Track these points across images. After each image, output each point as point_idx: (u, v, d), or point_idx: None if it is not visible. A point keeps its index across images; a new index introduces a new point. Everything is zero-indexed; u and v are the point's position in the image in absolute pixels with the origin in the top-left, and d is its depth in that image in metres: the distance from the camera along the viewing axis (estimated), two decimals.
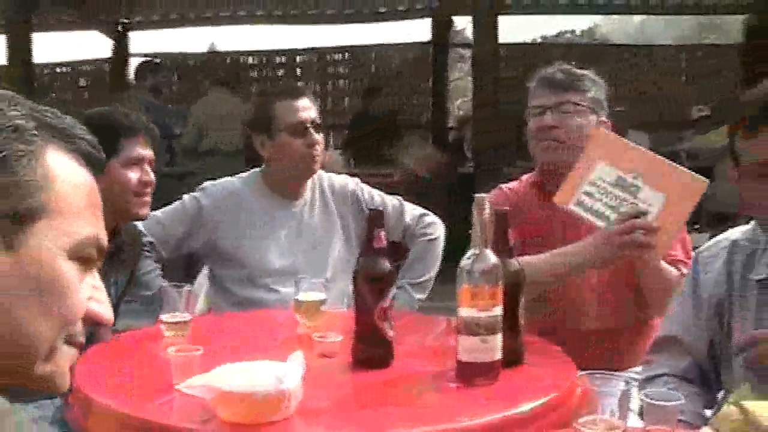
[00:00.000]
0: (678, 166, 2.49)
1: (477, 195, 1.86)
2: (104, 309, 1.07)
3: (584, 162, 2.53)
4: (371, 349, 1.94)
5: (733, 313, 2.02)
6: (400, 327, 2.02)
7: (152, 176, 2.65)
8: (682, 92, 11.85)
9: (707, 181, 2.43)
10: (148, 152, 2.65)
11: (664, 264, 2.48)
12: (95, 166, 1.08)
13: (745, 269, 2.01)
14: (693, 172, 2.47)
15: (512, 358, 1.91)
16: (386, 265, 1.93)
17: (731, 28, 22.29)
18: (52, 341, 1.00)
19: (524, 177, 2.81)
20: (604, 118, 2.70)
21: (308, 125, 3.01)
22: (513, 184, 2.80)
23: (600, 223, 2.44)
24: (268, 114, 3.05)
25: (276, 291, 2.93)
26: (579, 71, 2.73)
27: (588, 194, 2.48)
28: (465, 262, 1.83)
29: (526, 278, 1.99)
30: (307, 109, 3.04)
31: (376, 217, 1.96)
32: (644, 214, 2.38)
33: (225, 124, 8.02)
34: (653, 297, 2.53)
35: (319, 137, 3.03)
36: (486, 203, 1.85)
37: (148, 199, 2.66)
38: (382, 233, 1.94)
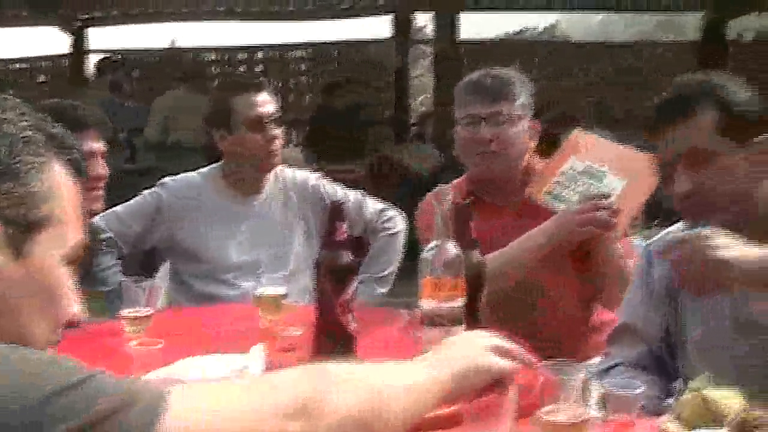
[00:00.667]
0: (641, 152, 2.53)
1: (439, 187, 1.86)
2: (78, 308, 1.14)
3: (557, 158, 2.62)
4: (333, 343, 1.93)
5: (686, 298, 2.04)
6: (362, 320, 2.01)
7: (104, 170, 2.62)
8: (641, 87, 11.96)
9: None
10: (98, 146, 2.62)
11: (621, 252, 2.51)
12: (81, 173, 1.15)
13: None
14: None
15: None
16: (347, 257, 1.92)
17: (689, 25, 22.56)
18: (45, 341, 1.08)
19: (455, 182, 2.78)
20: (533, 122, 2.73)
21: (267, 120, 3.00)
22: (446, 187, 2.77)
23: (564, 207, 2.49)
24: (227, 108, 3.04)
25: (237, 286, 2.92)
26: (507, 75, 2.71)
27: (558, 183, 2.58)
28: (427, 253, 1.83)
29: (497, 269, 2.00)
30: (266, 103, 3.03)
31: (337, 210, 1.95)
32: (606, 196, 2.43)
33: (186, 120, 7.98)
34: (611, 287, 2.55)
35: (278, 132, 3.02)
36: (448, 195, 1.86)
37: (100, 193, 2.64)
38: (344, 226, 1.93)
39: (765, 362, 1.86)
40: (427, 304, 1.82)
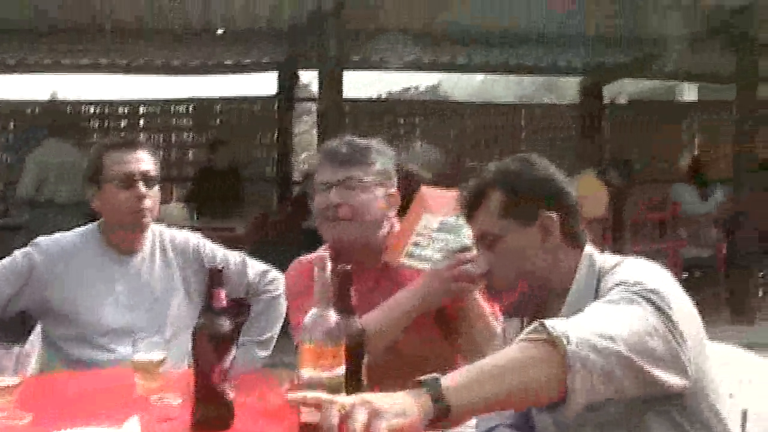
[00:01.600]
0: None
1: (318, 253, 1.86)
2: None
3: (409, 218, 2.60)
4: (211, 411, 1.89)
5: None
6: (242, 386, 1.98)
7: None
8: (521, 148, 12.25)
9: None
10: None
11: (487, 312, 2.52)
12: None
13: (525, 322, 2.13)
14: None
15: None
16: (226, 325, 1.89)
17: (567, 87, 23.28)
18: None
19: (320, 250, 2.73)
20: (393, 190, 2.70)
21: (137, 177, 2.93)
22: (311, 256, 2.70)
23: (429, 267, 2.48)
24: (98, 165, 2.97)
25: (112, 350, 2.82)
26: (364, 143, 2.68)
27: (416, 245, 2.55)
28: (307, 321, 1.81)
29: (369, 335, 1.99)
30: (138, 161, 2.95)
31: (215, 276, 1.92)
32: (469, 248, 2.40)
33: (63, 174, 7.80)
34: (480, 349, 2.55)
35: (149, 191, 2.95)
36: (328, 262, 1.85)
37: None
38: (222, 292, 1.90)
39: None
40: (306, 372, 1.79)
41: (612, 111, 13.20)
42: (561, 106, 14.82)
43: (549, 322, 1.63)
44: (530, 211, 2.03)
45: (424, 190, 2.67)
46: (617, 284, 1.86)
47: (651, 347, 1.70)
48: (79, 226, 3.11)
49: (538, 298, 2.05)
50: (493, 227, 2.06)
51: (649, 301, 1.77)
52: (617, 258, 2.06)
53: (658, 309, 1.76)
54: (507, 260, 2.05)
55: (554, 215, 2.03)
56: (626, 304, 1.77)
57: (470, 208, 2.12)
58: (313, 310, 1.82)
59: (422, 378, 1.58)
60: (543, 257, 2.03)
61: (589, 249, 2.07)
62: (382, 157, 2.68)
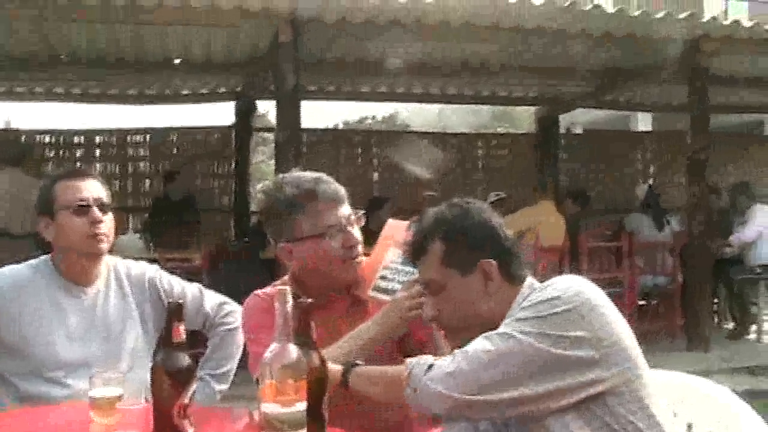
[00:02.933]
0: None
1: (279, 288, 1.84)
2: None
3: (378, 251, 2.64)
4: None
5: None
6: (199, 421, 1.95)
7: None
8: (478, 177, 12.35)
9: None
10: None
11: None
12: None
13: None
14: None
15: None
16: (185, 360, 1.87)
17: (521, 117, 23.52)
18: None
19: (276, 284, 2.68)
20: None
21: (90, 203, 2.89)
22: (268, 290, 2.68)
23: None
24: (50, 195, 2.92)
25: (67, 385, 2.76)
26: (330, 178, 2.70)
27: (383, 278, 2.58)
28: (267, 356, 1.79)
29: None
30: (91, 188, 2.93)
31: (175, 310, 1.90)
32: None
33: (15, 205, 7.70)
34: None
35: (104, 216, 2.91)
36: (288, 296, 1.83)
37: None
38: (181, 327, 1.88)
39: None
40: (267, 408, 1.77)
41: (567, 140, 13.35)
42: (517, 135, 14.98)
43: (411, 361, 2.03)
44: (469, 260, 2.11)
45: (391, 222, 2.71)
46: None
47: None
48: (33, 258, 3.05)
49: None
50: (435, 276, 2.15)
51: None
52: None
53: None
54: (451, 307, 2.14)
55: (492, 262, 2.10)
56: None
57: (414, 257, 2.21)
58: (274, 345, 1.80)
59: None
60: (485, 301, 2.11)
61: (528, 281, 2.15)
62: None
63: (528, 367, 1.89)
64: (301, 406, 1.78)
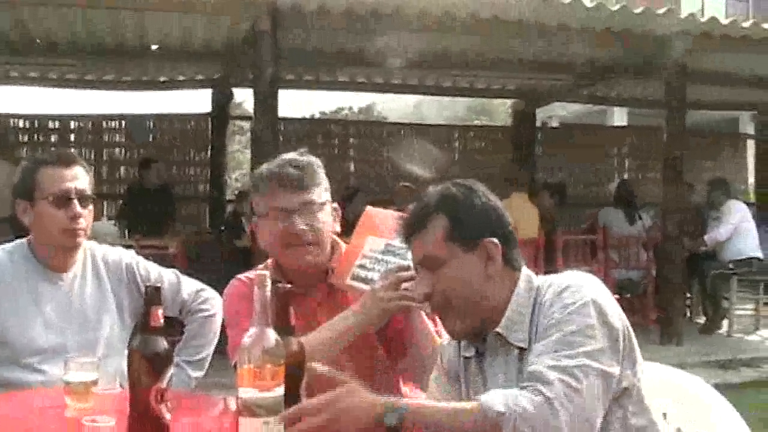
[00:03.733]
0: None
1: (258, 272, 1.84)
2: None
3: (356, 239, 2.60)
4: None
5: (458, 385, 2.21)
6: (177, 407, 1.94)
7: None
8: (454, 169, 12.37)
9: None
10: None
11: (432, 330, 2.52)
12: None
13: (463, 345, 2.20)
14: None
15: None
16: (163, 344, 1.86)
17: (497, 110, 23.59)
18: None
19: (260, 267, 2.69)
20: (335, 204, 2.69)
21: (72, 196, 2.85)
22: (250, 274, 2.66)
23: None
24: (32, 181, 2.88)
25: (42, 371, 2.74)
26: (307, 161, 2.63)
27: (362, 267, 2.55)
28: (245, 340, 1.78)
29: (309, 354, 1.96)
30: (74, 179, 2.88)
31: (153, 295, 1.88)
32: (406, 268, 2.41)
33: None
34: (429, 367, 2.55)
35: (83, 210, 2.88)
36: (267, 281, 1.82)
37: None
38: (159, 311, 1.87)
39: None
40: (245, 393, 1.76)
41: (544, 134, 13.39)
42: (494, 127, 15.02)
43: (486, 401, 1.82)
44: (473, 238, 2.07)
45: (370, 210, 2.67)
46: (556, 301, 1.97)
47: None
48: (7, 242, 3.03)
49: (479, 319, 2.08)
50: (437, 251, 2.08)
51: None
52: (551, 276, 2.12)
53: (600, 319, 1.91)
54: (449, 284, 2.07)
55: (496, 242, 2.07)
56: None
57: (413, 232, 2.14)
58: (252, 330, 1.79)
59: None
60: (484, 282, 2.07)
61: (525, 272, 2.13)
62: (322, 171, 2.66)
63: (607, 390, 1.89)
64: (279, 390, 1.77)
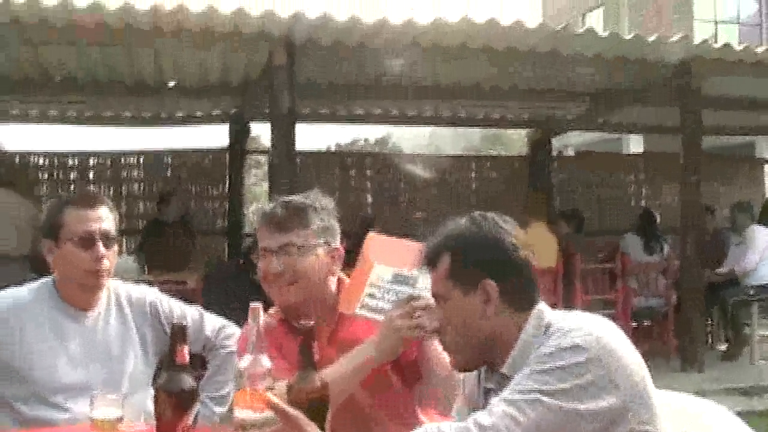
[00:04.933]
0: None
1: (252, 304, 1.97)
2: None
3: (362, 267, 2.60)
4: None
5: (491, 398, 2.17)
6: None
7: None
8: (471, 200, 12.37)
9: None
10: None
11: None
12: None
13: (484, 375, 2.20)
14: None
15: None
16: (189, 381, 1.89)
17: (512, 141, 23.62)
18: None
19: (271, 311, 2.74)
20: (336, 245, 2.71)
21: (97, 237, 2.88)
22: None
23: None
24: (58, 220, 2.91)
25: (67, 409, 2.76)
26: (300, 203, 2.68)
27: (371, 296, 2.54)
28: (241, 365, 1.91)
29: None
30: (99, 220, 2.91)
31: (179, 332, 1.91)
32: (417, 298, 2.43)
33: (7, 227, 7.70)
34: (445, 393, 2.56)
35: (107, 251, 2.91)
36: (260, 311, 1.99)
37: None
38: (186, 349, 1.90)
39: None
40: (240, 413, 1.88)
41: (560, 163, 13.39)
42: (510, 157, 15.01)
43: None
44: (472, 279, 2.08)
45: (373, 237, 2.67)
46: (545, 340, 1.97)
47: None
48: (26, 280, 3.05)
49: (483, 356, 2.12)
50: (440, 289, 2.13)
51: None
52: (564, 314, 2.09)
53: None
54: (451, 322, 2.12)
55: (494, 284, 2.06)
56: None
57: (427, 266, 2.18)
58: (247, 356, 1.92)
59: None
60: (482, 323, 2.07)
61: (539, 307, 2.10)
62: (320, 213, 2.68)
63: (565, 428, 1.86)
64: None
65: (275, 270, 2.60)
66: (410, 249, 2.57)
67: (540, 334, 2.03)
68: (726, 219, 10.62)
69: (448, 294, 2.11)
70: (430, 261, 2.16)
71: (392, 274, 2.55)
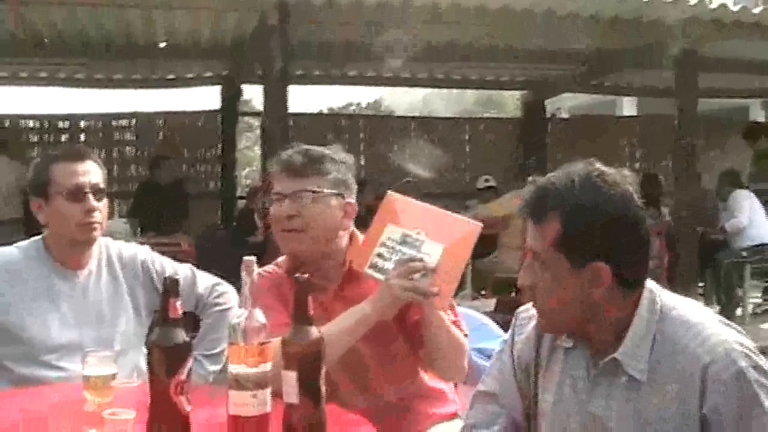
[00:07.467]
0: (453, 214, 2.57)
1: (245, 258, 1.95)
2: None
3: (375, 226, 2.58)
4: (167, 425, 1.85)
5: (539, 377, 2.09)
6: (196, 400, 1.94)
7: None
8: (465, 161, 12.36)
9: (480, 224, 2.51)
10: None
11: (449, 323, 2.51)
12: None
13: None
14: (468, 218, 2.58)
15: (315, 427, 1.89)
16: (182, 336, 1.86)
17: (506, 103, 23.56)
18: None
19: (279, 260, 2.73)
20: (351, 200, 2.67)
21: (87, 190, 2.85)
22: (269, 268, 2.71)
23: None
24: (45, 177, 2.88)
25: (60, 368, 2.74)
26: (319, 152, 2.64)
27: (380, 256, 2.52)
28: (235, 320, 1.88)
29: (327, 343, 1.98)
30: (87, 173, 2.88)
31: (171, 287, 1.88)
32: (417, 259, 2.42)
33: (1, 190, 7.67)
34: (447, 359, 2.56)
35: (99, 204, 2.88)
36: (254, 265, 1.95)
37: None
38: (178, 302, 1.87)
39: None
40: (234, 368, 1.86)
41: (553, 125, 13.36)
42: (503, 120, 14.97)
43: None
44: (583, 256, 1.87)
45: (392, 195, 2.64)
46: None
47: None
48: (16, 241, 3.02)
49: (575, 328, 1.97)
50: (543, 254, 1.91)
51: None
52: (674, 298, 1.98)
53: None
54: (549, 289, 1.93)
55: (608, 269, 1.86)
56: None
57: (530, 217, 1.95)
58: (241, 311, 1.90)
59: None
60: (584, 299, 1.89)
61: (649, 286, 1.96)
62: (338, 165, 2.65)
63: None
64: (266, 367, 1.87)
65: (286, 213, 2.56)
66: (419, 208, 2.57)
67: (654, 319, 1.89)
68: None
69: (550, 262, 1.89)
70: (534, 213, 1.93)
71: (401, 235, 2.52)
